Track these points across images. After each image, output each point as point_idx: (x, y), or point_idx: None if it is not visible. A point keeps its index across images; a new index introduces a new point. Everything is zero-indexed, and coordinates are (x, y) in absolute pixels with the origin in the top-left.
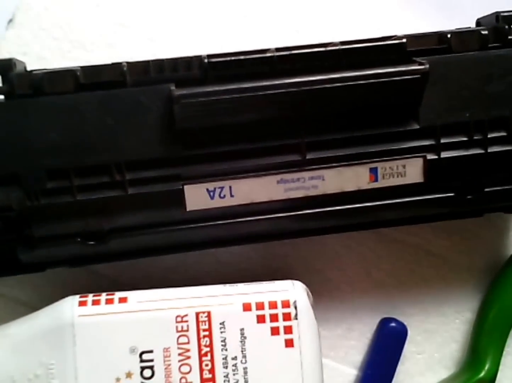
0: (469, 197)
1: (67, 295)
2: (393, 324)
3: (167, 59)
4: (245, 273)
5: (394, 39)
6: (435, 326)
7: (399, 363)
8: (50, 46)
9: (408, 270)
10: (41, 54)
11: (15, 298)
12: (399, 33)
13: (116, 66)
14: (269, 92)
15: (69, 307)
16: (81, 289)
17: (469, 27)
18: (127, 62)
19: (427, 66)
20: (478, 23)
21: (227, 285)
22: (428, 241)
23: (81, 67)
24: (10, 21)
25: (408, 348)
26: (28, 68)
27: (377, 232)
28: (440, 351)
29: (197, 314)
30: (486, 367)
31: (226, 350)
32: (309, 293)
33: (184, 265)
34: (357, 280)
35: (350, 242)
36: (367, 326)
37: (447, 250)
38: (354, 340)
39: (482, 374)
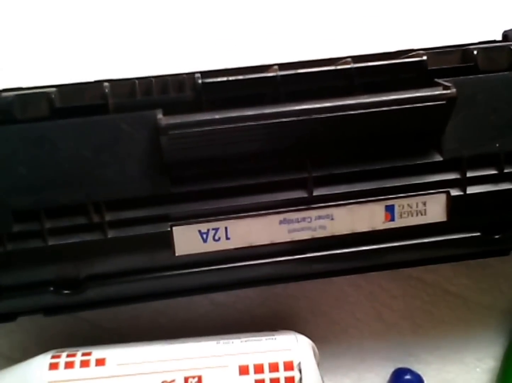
0: (496, 236)
1: (42, 343)
2: (408, 377)
3: (155, 78)
4: (242, 315)
5: (414, 56)
6: (454, 375)
7: None
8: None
9: (424, 311)
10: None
11: None
12: (415, 42)
13: (98, 85)
14: (271, 121)
15: (38, 371)
16: (59, 335)
17: (495, 40)
18: (110, 81)
19: (454, 90)
20: (505, 36)
21: (221, 341)
22: (447, 279)
23: (58, 86)
24: None
25: None
26: None
27: (391, 270)
28: None
29: (186, 379)
30: None
31: None
32: (315, 349)
33: (175, 307)
34: (367, 323)
35: (359, 280)
36: (379, 376)
37: (468, 289)
38: None
39: None
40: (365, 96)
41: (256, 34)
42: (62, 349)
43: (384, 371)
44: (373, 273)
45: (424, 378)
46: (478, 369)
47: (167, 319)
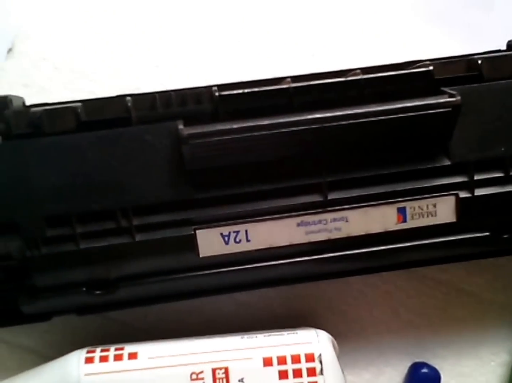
0: (505, 236)
1: (75, 341)
2: (425, 370)
3: (175, 91)
4: (264, 314)
5: (421, 66)
6: (470, 369)
7: None
8: (51, 76)
9: (439, 309)
10: (42, 85)
11: (21, 346)
12: (423, 52)
13: (120, 100)
14: (286, 129)
15: (75, 364)
16: (91, 334)
17: (499, 50)
18: (132, 96)
19: (459, 98)
20: (510, 45)
21: (246, 336)
22: (460, 279)
23: (83, 101)
24: (10, 50)
25: None
26: (29, 101)
27: (405, 269)
28: None
29: (214, 370)
30: None
31: None
32: (335, 343)
33: (200, 307)
34: (384, 321)
35: (375, 280)
36: (397, 370)
37: (480, 288)
38: None
39: None
40: (375, 105)
41: (269, 48)
42: (96, 346)
43: (402, 365)
44: (388, 273)
45: (441, 372)
46: (492, 363)
47: (193, 319)
